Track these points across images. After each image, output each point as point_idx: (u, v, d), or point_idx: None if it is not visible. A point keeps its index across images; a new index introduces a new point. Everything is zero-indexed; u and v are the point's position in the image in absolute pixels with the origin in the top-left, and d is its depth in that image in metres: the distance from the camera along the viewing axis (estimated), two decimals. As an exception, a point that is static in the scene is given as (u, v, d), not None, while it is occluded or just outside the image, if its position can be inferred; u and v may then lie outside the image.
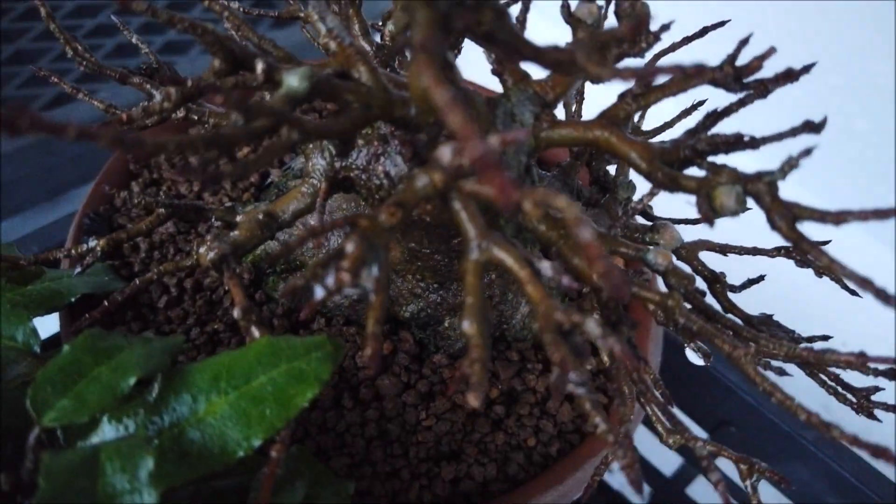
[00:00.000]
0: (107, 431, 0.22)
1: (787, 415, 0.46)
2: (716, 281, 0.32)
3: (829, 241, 0.25)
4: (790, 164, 0.22)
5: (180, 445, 0.22)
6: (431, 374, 0.34)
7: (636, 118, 0.36)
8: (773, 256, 0.33)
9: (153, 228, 0.28)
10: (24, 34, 0.78)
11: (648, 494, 0.57)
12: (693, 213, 0.36)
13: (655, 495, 0.56)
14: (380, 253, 0.21)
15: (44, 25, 0.81)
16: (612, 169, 0.35)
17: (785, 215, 0.22)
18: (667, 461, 0.54)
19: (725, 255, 0.33)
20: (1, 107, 0.15)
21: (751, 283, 0.33)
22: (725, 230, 0.35)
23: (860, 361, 0.23)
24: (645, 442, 0.55)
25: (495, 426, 0.34)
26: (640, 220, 0.35)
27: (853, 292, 0.32)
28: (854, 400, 0.29)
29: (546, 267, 0.22)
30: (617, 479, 0.59)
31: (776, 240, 0.33)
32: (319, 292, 0.21)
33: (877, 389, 0.29)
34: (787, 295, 0.49)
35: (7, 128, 0.15)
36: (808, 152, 0.22)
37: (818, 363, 0.23)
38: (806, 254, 0.21)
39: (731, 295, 0.32)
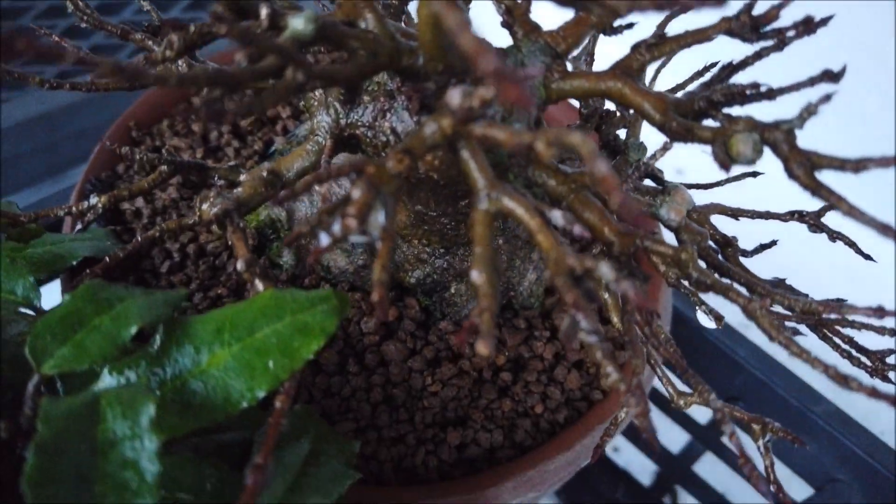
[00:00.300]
0: (108, 383, 0.21)
1: (796, 390, 0.46)
2: (727, 245, 0.31)
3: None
4: (809, 111, 0.21)
5: (183, 396, 0.21)
6: (437, 340, 0.34)
7: (647, 81, 0.35)
8: (786, 220, 0.32)
9: (155, 186, 0.28)
10: (26, 13, 0.77)
11: (654, 473, 0.56)
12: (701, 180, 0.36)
13: (662, 472, 0.55)
14: (387, 200, 0.21)
15: (45, 5, 0.80)
16: (622, 134, 0.35)
17: (803, 163, 0.21)
18: (673, 440, 0.54)
19: (737, 219, 0.32)
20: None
21: (763, 248, 0.33)
22: (734, 198, 0.35)
23: (878, 314, 0.22)
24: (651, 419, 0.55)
25: (502, 393, 0.33)
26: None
27: (867, 256, 0.32)
28: (869, 363, 0.28)
29: (557, 216, 0.21)
30: (623, 457, 0.59)
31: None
32: (325, 240, 0.20)
33: (892, 352, 0.28)
34: (795, 268, 0.48)
35: (4, 50, 0.15)
36: (827, 98, 0.21)
37: (835, 319, 0.23)
38: (825, 201, 0.21)
39: (742, 261, 0.32)
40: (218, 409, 0.21)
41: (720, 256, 0.31)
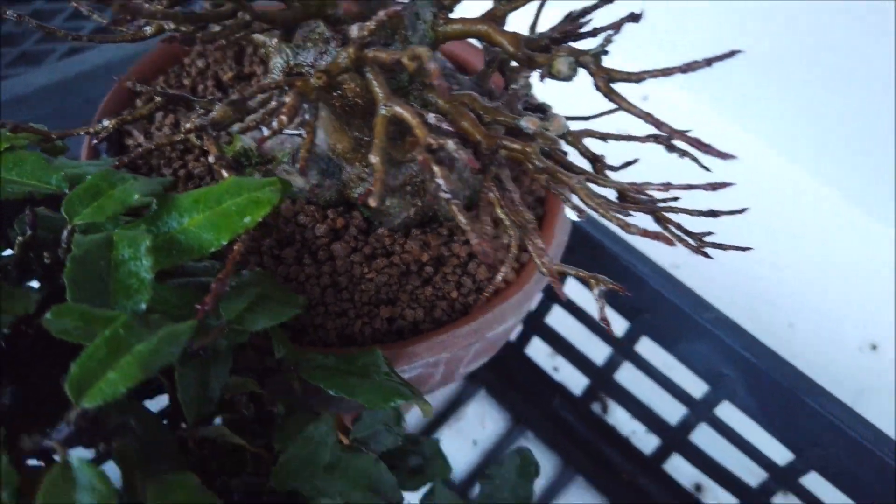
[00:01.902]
0: (118, 236, 0.31)
1: (688, 300, 0.55)
2: (596, 161, 0.40)
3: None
4: (608, 40, 0.30)
5: (171, 244, 0.30)
6: (375, 241, 0.43)
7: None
8: (644, 142, 0.41)
9: (153, 112, 0.37)
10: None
11: (584, 386, 0.65)
12: (582, 112, 0.44)
13: (591, 384, 0.64)
14: (310, 105, 0.30)
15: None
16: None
17: (604, 78, 0.30)
18: (598, 354, 0.63)
19: (606, 141, 0.41)
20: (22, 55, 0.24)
21: (627, 164, 0.42)
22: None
23: (665, 188, 0.31)
24: (580, 335, 0.64)
25: (425, 282, 0.42)
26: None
27: (706, 168, 0.41)
28: (693, 243, 0.37)
29: (431, 118, 0.30)
30: (560, 375, 0.68)
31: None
32: (266, 133, 0.30)
33: (709, 233, 0.37)
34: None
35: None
36: (634, 18, 0.30)
37: (662, 206, 0.32)
38: (617, 105, 0.30)
39: (610, 174, 0.41)
40: (195, 251, 0.30)
41: (592, 171, 0.40)
